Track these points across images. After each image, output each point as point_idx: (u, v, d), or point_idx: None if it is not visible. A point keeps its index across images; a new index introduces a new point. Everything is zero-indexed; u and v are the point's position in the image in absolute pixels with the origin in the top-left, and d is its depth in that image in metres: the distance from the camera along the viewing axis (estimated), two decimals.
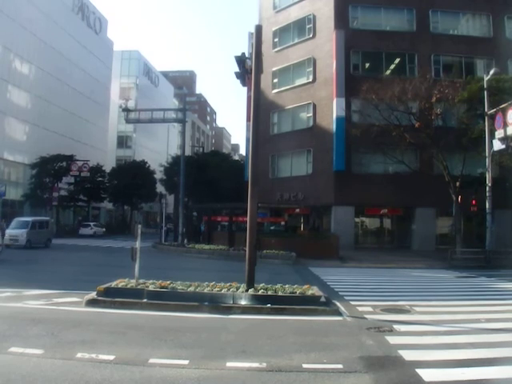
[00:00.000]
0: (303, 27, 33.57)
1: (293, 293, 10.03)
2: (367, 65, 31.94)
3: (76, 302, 9.94)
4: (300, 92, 33.12)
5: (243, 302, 9.66)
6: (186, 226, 31.34)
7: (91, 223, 44.65)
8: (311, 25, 32.93)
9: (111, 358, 6.03)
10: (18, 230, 25.51)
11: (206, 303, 9.53)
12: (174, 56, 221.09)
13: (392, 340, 7.31)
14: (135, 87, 70.00)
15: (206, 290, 10.03)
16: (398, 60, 31.73)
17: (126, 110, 31.55)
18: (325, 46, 31.43)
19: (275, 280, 11.48)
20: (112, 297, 9.70)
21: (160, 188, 51.60)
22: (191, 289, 10.12)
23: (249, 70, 12.52)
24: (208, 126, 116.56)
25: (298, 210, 33.55)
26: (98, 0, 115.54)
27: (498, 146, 21.01)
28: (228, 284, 10.43)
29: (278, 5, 36.10)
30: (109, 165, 53.37)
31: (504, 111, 20.30)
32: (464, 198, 24.38)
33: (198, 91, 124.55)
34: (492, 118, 22.05)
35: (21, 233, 25.39)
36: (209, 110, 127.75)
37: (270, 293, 9.95)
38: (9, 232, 25.41)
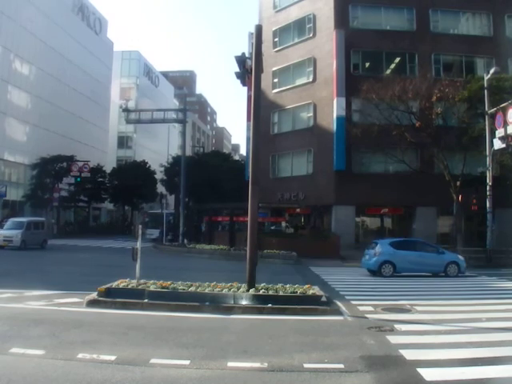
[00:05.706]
0: (303, 27, 33.51)
1: (294, 293, 10.03)
2: (367, 64, 31.86)
3: (77, 302, 9.94)
4: (300, 92, 33.08)
5: (244, 302, 9.67)
6: (187, 226, 31.33)
7: None
8: (311, 24, 32.87)
9: (112, 358, 6.03)
10: (13, 231, 24.73)
11: (207, 303, 9.53)
12: (174, 56, 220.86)
13: (393, 339, 7.32)
14: (135, 87, 69.93)
15: (206, 290, 10.03)
16: (398, 59, 31.65)
17: (127, 110, 31.57)
18: (325, 46, 31.39)
19: (276, 280, 11.48)
20: (113, 297, 9.71)
21: (160, 188, 51.64)
22: (192, 289, 10.12)
23: (249, 69, 12.50)
24: (208, 126, 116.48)
25: (298, 210, 33.51)
26: (98, 0, 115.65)
27: (498, 144, 21.07)
28: (229, 284, 10.43)
29: (278, 4, 36.03)
30: (109, 165, 53.33)
31: (504, 110, 20.35)
32: (465, 197, 24.38)
33: (198, 91, 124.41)
34: (492, 117, 22.10)
35: (15, 233, 24.58)
36: (209, 110, 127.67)
37: (270, 293, 9.96)
38: (3, 233, 24.71)
